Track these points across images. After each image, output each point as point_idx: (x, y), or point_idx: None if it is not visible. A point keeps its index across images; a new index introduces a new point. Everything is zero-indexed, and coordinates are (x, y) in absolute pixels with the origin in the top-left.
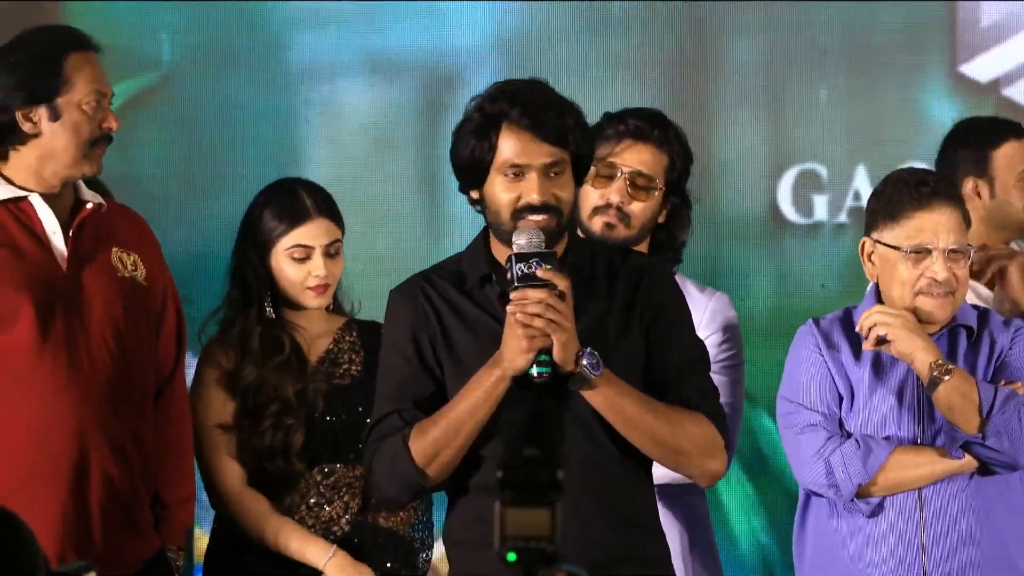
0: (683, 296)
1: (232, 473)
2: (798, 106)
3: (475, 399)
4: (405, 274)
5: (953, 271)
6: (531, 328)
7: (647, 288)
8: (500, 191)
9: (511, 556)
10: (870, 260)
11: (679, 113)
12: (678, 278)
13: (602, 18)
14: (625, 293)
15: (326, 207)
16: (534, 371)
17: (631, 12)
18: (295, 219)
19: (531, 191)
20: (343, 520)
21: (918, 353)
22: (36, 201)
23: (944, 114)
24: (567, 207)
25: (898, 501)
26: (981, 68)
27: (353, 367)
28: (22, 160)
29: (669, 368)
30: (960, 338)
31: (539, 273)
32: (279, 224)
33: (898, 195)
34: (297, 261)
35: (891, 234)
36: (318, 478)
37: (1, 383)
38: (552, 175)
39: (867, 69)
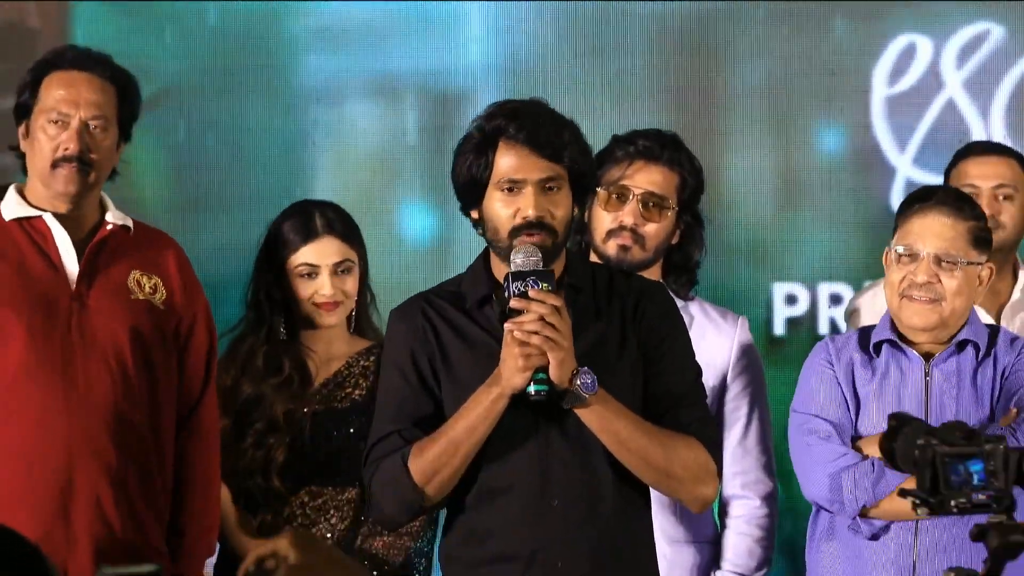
0: (682, 320)
1: None
2: (806, 129)
3: (474, 418)
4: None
5: (939, 278)
6: (528, 346)
7: (644, 310)
8: (498, 207)
9: None
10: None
11: (687, 137)
12: (697, 302)
13: (609, 40)
14: (623, 314)
15: (339, 227)
16: (531, 389)
17: (638, 34)
18: (304, 238)
19: (528, 206)
20: (329, 542)
21: None
22: (49, 220)
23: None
24: (562, 225)
25: (894, 528)
26: None
27: (357, 391)
28: (33, 179)
29: (665, 393)
30: (967, 354)
31: (532, 294)
32: (290, 242)
33: (906, 204)
34: (305, 279)
35: (894, 239)
36: (305, 499)
37: None
38: (548, 190)
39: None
